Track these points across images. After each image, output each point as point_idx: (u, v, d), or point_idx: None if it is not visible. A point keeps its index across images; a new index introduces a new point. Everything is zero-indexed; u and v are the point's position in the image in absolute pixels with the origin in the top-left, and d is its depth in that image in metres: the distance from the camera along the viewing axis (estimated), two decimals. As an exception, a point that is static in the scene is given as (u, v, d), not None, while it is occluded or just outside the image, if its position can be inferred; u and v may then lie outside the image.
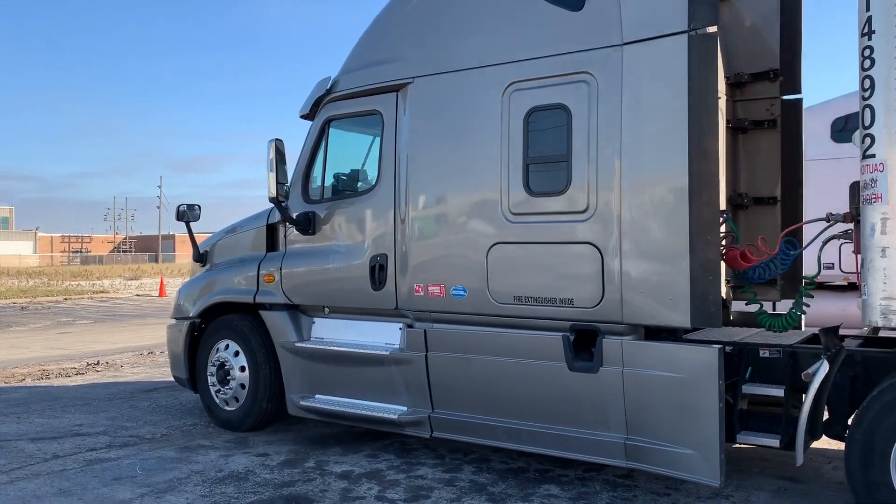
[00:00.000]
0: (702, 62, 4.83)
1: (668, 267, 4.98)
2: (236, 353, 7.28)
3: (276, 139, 6.52)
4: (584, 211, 5.29)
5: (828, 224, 4.90)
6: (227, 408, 7.37)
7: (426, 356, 6.08)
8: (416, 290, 6.10)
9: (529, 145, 5.54)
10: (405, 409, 6.26)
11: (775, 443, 5.09)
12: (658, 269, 5.02)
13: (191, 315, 7.64)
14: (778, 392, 5.15)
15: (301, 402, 6.75)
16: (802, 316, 5.36)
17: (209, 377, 7.47)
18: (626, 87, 5.12)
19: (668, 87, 4.96)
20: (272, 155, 6.47)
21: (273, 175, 6.47)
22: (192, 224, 7.88)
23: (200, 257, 7.94)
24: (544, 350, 5.52)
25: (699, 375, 4.90)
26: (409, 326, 6.26)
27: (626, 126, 5.11)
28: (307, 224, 6.76)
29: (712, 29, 4.83)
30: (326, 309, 6.89)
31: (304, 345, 6.80)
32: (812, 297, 5.11)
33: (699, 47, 4.84)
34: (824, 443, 5.60)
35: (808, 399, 4.68)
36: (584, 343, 5.42)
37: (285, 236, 7.06)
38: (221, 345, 7.42)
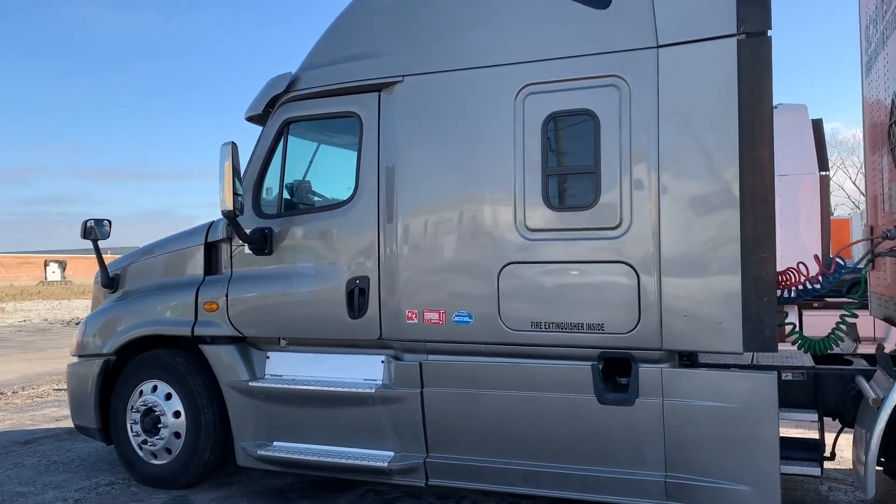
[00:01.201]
0: (754, 68, 4.51)
1: (716, 287, 4.59)
2: (168, 396, 6.13)
3: (232, 142, 5.52)
4: (616, 227, 4.80)
5: (879, 240, 4.72)
6: (154, 461, 6.18)
7: (421, 393, 5.33)
8: (409, 318, 5.34)
9: (549, 154, 4.99)
10: (391, 454, 5.45)
11: (816, 471, 4.83)
12: (704, 290, 4.62)
13: (104, 352, 6.36)
14: (812, 417, 4.92)
15: (258, 452, 5.72)
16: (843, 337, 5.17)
17: (130, 425, 6.25)
18: (664, 93, 4.70)
19: (714, 94, 4.59)
20: (228, 160, 5.46)
21: (229, 184, 5.45)
22: (98, 242, 6.62)
23: (110, 282, 6.67)
24: (569, 381, 4.96)
25: (754, 404, 4.53)
26: (396, 359, 5.48)
27: (664, 135, 4.69)
28: (263, 242, 5.79)
29: (765, 33, 4.52)
30: (284, 341, 5.94)
31: (259, 384, 5.80)
32: (857, 317, 4.92)
33: (751, 52, 4.51)
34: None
35: (878, 426, 4.43)
36: (613, 372, 4.93)
37: (231, 257, 6.03)
38: (147, 386, 6.22)
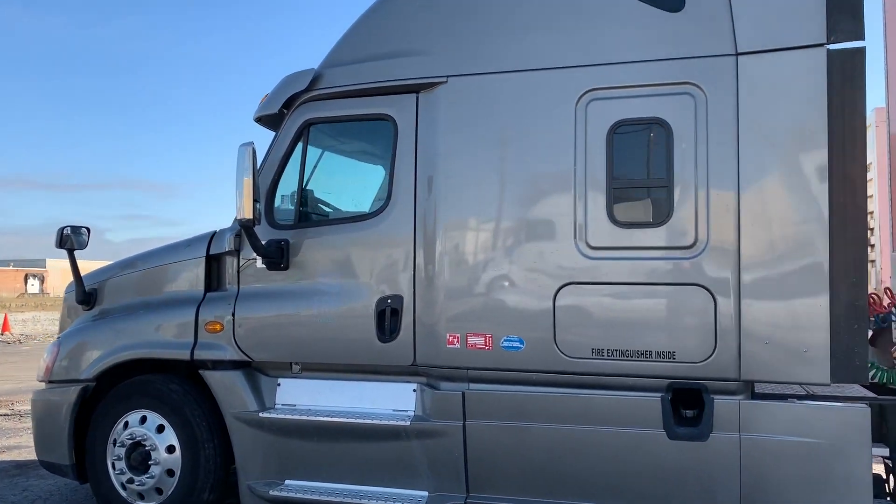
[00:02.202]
0: (845, 81, 4.23)
1: (802, 313, 4.26)
2: (160, 429, 5.39)
3: (251, 143, 4.92)
4: (691, 246, 4.43)
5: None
6: (141, 503, 5.42)
7: (464, 425, 4.81)
8: (450, 342, 4.82)
9: (615, 166, 4.59)
10: (425, 494, 4.91)
11: None
12: (789, 316, 4.28)
13: (82, 377, 5.58)
14: (882, 452, 4.64)
15: (270, 492, 5.07)
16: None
17: (112, 462, 5.48)
18: (744, 103, 4.37)
19: (801, 108, 4.29)
20: (247, 163, 4.85)
21: (249, 191, 4.83)
22: (74, 253, 5.85)
23: (86, 298, 5.89)
24: (635, 415, 4.54)
25: (845, 440, 4.21)
26: (430, 387, 4.95)
27: (745, 148, 4.36)
28: (279, 256, 5.18)
29: (858, 43, 4.25)
30: (297, 366, 5.32)
31: (271, 415, 5.15)
32: None
33: (842, 64, 4.23)
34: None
35: None
36: (680, 405, 4.54)
37: (238, 271, 5.38)
38: (133, 417, 5.47)
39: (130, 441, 5.41)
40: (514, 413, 4.74)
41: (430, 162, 4.93)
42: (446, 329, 4.83)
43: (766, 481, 4.33)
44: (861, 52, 4.25)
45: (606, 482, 4.59)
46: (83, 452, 5.62)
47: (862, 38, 4.26)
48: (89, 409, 5.64)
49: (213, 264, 5.48)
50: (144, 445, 5.37)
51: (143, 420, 5.43)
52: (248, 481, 5.21)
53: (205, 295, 5.43)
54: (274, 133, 5.75)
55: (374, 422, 4.93)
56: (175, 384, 5.45)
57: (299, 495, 5.02)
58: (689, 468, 4.45)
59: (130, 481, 5.39)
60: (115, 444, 5.49)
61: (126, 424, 5.48)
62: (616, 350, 4.55)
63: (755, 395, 4.48)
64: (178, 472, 5.32)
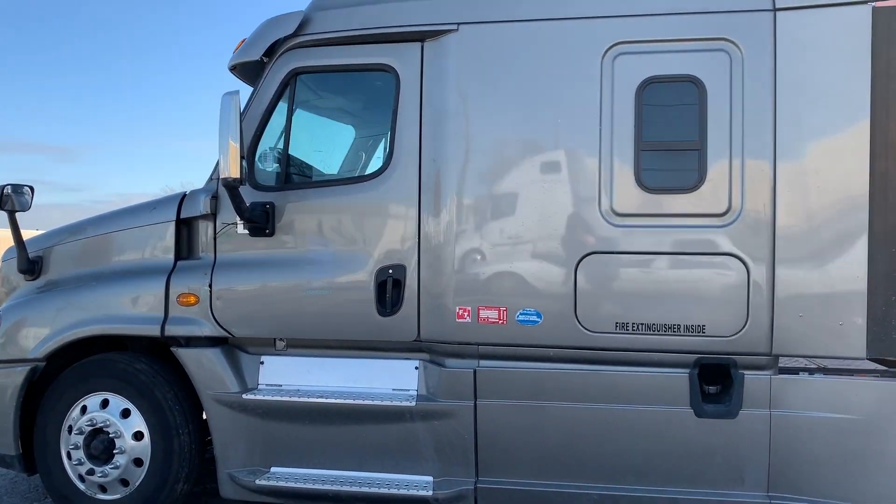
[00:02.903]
0: (891, 41, 4.03)
1: (839, 284, 4.08)
2: (125, 413, 4.80)
3: (236, 92, 4.35)
4: (724, 213, 4.17)
5: None
6: (103, 496, 4.83)
7: (475, 405, 4.45)
8: (459, 316, 4.43)
9: (644, 126, 4.26)
10: (430, 479, 4.54)
11: None
12: (825, 287, 4.10)
13: (30, 356, 4.90)
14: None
15: (256, 481, 4.58)
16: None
17: (67, 451, 4.86)
18: (782, 62, 4.12)
19: (842, 67, 4.07)
20: (233, 115, 4.27)
21: (235, 146, 4.27)
22: (17, 215, 5.12)
23: (30, 267, 5.19)
24: (661, 392, 4.28)
25: (882, 415, 4.07)
26: (436, 364, 4.57)
27: (782, 110, 4.11)
28: (264, 221, 4.64)
29: (905, 1, 4.05)
30: (281, 343, 4.82)
31: (256, 397, 4.65)
32: None
33: (888, 22, 4.02)
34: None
35: None
36: (706, 381, 4.31)
37: (215, 238, 4.81)
38: (93, 401, 4.85)
39: (90, 427, 4.81)
40: (529, 392, 4.41)
41: (438, 120, 4.48)
42: (455, 302, 4.44)
43: (795, 459, 4.16)
44: (907, 10, 4.05)
45: (628, 463, 4.34)
46: (31, 441, 4.98)
47: (908, -5, 4.07)
48: (37, 393, 4.98)
49: (183, 230, 4.88)
50: (107, 432, 4.78)
51: (105, 404, 4.83)
52: (228, 469, 4.71)
53: (175, 264, 4.84)
54: (249, 85, 5.22)
55: (376, 402, 4.51)
56: (142, 363, 4.86)
57: (290, 484, 4.57)
58: (717, 447, 4.24)
59: (90, 472, 4.79)
60: (70, 431, 4.87)
61: (84, 409, 4.86)
62: (641, 324, 4.27)
63: (781, 371, 4.30)
64: (147, 462, 4.76)
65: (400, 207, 4.55)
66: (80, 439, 4.82)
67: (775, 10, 4.15)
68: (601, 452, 4.36)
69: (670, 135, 4.30)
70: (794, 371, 4.31)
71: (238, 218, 4.60)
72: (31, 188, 5.21)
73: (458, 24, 4.47)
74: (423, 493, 4.43)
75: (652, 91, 4.27)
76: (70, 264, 5.14)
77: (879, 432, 4.06)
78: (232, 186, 4.37)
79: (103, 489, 4.82)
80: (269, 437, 4.69)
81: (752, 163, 4.14)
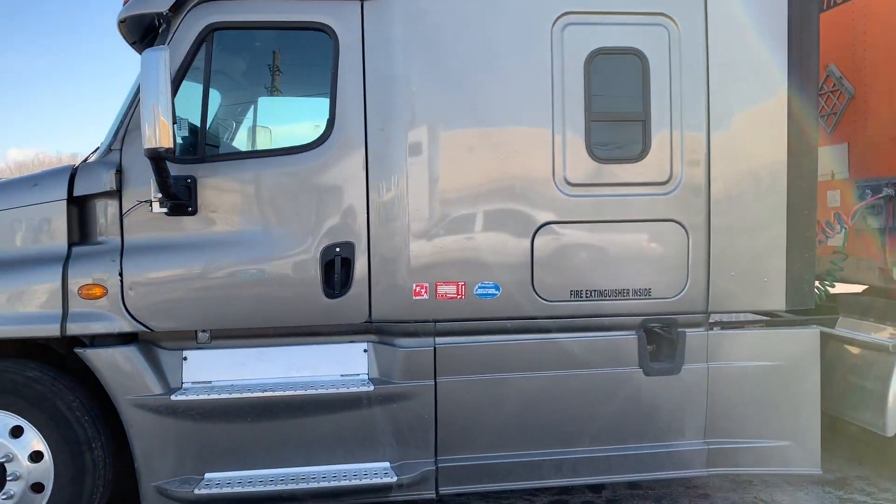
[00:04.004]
0: (804, 23, 4.44)
1: (763, 246, 4.49)
2: (15, 432, 4.01)
3: (166, 48, 3.73)
4: (666, 182, 4.39)
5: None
6: (-11, 533, 4.02)
7: (435, 384, 4.30)
8: (416, 293, 4.25)
9: (593, 98, 4.33)
10: (387, 464, 4.33)
11: None
12: (752, 249, 4.48)
13: None
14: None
15: (194, 491, 4.05)
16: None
17: (-64, 484, 3.97)
18: (713, 39, 4.40)
19: (763, 46, 4.43)
20: (161, 75, 3.65)
21: (167, 109, 3.66)
22: None
23: None
24: (613, 354, 4.45)
25: (800, 360, 4.56)
26: (387, 345, 4.34)
27: (713, 83, 4.40)
28: (186, 197, 4.07)
29: (812, -14, 4.49)
30: (204, 335, 4.29)
31: (188, 397, 4.09)
32: (842, 269, 5.20)
33: (801, 7, 4.43)
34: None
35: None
36: (650, 341, 4.54)
37: (122, 218, 4.13)
38: (-32, 421, 3.99)
39: (-32, 454, 3.96)
40: (489, 365, 4.36)
41: (384, 86, 4.20)
42: (412, 279, 4.24)
43: (727, 406, 4.55)
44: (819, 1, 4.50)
45: (583, 426, 4.46)
46: None
47: (814, -19, 4.52)
48: None
49: (73, 210, 4.14)
50: (-6, 458, 3.97)
51: (-12, 424, 4.00)
52: (154, 482, 4.12)
53: (69, 250, 4.10)
54: (130, 44, 4.56)
55: (330, 391, 4.19)
56: (34, 370, 4.08)
57: (237, 489, 4.10)
58: (663, 402, 4.50)
59: (-27, 507, 3.96)
60: (-60, 460, 3.98)
61: (-44, 432, 3.99)
62: (594, 290, 4.39)
63: (711, 326, 4.65)
64: (49, 486, 4.03)
65: (345, 180, 4.22)
66: (-44, 469, 3.96)
67: (706, -10, 4.41)
68: (558, 419, 4.44)
69: (617, 106, 4.43)
70: (722, 326, 4.68)
71: (157, 194, 3.98)
72: None
73: None
74: (386, 479, 4.21)
75: (599, 62, 4.35)
76: None
77: (795, 374, 4.56)
78: (162, 157, 3.76)
79: (-9, 524, 4.01)
80: (203, 441, 4.17)
81: (689, 134, 4.39)
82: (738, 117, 4.44)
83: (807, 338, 4.60)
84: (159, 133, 3.65)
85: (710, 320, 4.59)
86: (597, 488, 5.01)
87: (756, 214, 4.47)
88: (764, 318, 4.90)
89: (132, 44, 4.85)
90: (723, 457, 4.56)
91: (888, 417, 4.64)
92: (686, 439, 4.56)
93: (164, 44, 4.14)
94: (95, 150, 4.56)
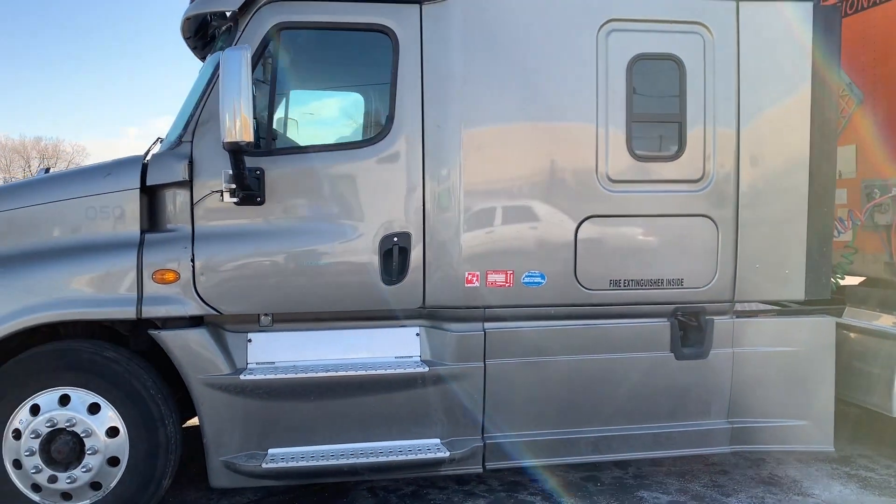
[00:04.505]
0: (827, 31, 4.79)
1: (785, 239, 4.84)
2: (93, 408, 4.23)
3: (245, 47, 3.95)
4: (699, 180, 4.72)
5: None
6: (65, 505, 4.24)
7: (484, 365, 4.59)
8: (469, 281, 4.53)
9: (634, 100, 4.64)
10: (437, 441, 4.61)
11: None
12: (776, 243, 4.84)
13: (-44, 351, 4.09)
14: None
15: (262, 465, 4.30)
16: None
17: (15, 459, 4.17)
18: (744, 46, 4.73)
19: (790, 53, 4.78)
20: (243, 72, 3.88)
21: (248, 104, 3.89)
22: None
23: (-72, 243, 4.27)
24: (648, 340, 4.78)
25: (818, 346, 4.93)
26: (439, 329, 4.62)
27: (744, 89, 4.73)
28: (256, 188, 4.30)
29: (837, 2, 4.83)
30: (266, 318, 4.54)
31: (256, 377, 4.34)
32: (852, 262, 5.59)
33: (825, 17, 4.78)
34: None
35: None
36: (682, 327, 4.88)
37: (192, 207, 4.35)
38: (46, 398, 4.19)
39: (50, 429, 4.16)
40: (534, 348, 4.66)
41: (442, 84, 4.47)
42: (465, 267, 4.52)
43: (750, 388, 4.90)
44: (838, 8, 4.85)
45: (619, 406, 4.79)
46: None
47: (837, -4, 4.87)
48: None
49: (157, 198, 4.36)
50: (73, 432, 4.18)
51: (65, 400, 4.20)
52: (222, 457, 4.36)
53: (142, 236, 4.31)
54: (188, 42, 4.80)
55: (388, 371, 4.46)
56: (110, 351, 4.29)
57: (301, 463, 4.36)
58: (692, 384, 4.85)
59: (53, 479, 4.17)
60: (18, 436, 4.17)
61: (35, 409, 4.19)
62: (632, 280, 4.71)
63: (737, 314, 5.00)
64: (124, 460, 4.25)
65: (403, 173, 4.48)
66: (35, 444, 4.16)
67: (738, 0, 4.73)
68: (595, 399, 4.76)
69: (656, 108, 4.74)
70: (746, 314, 5.03)
71: (229, 185, 4.21)
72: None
73: None
74: (439, 454, 4.50)
75: (640, 67, 4.65)
76: None
77: (813, 359, 4.93)
78: (243, 150, 4.01)
79: (67, 496, 4.22)
80: (267, 417, 4.42)
81: (721, 135, 4.72)
82: (765, 120, 4.78)
83: (824, 326, 4.97)
84: (240, 127, 3.89)
85: (735, 308, 4.96)
86: (623, 465, 5.36)
87: (780, 211, 4.83)
88: (773, 307, 5.28)
89: (187, 39, 5.07)
90: (744, 435, 4.93)
91: (895, 400, 5.05)
92: (711, 419, 4.91)
93: (232, 42, 4.37)
94: (157, 142, 4.79)
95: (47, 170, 5.99)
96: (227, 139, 3.92)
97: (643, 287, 4.73)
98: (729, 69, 4.72)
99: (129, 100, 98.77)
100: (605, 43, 4.59)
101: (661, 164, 4.71)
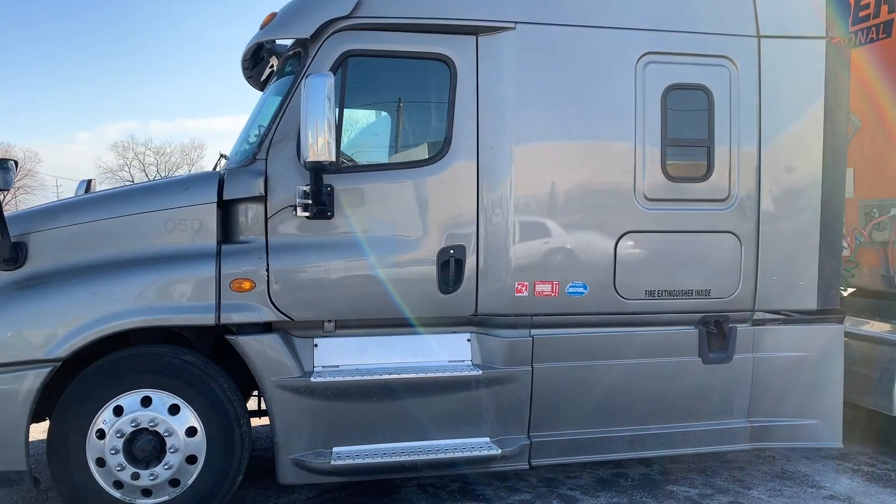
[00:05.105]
0: (838, 66, 5.29)
1: (801, 254, 5.31)
2: (174, 410, 4.48)
3: (328, 74, 4.28)
4: (725, 199, 5.17)
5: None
6: (145, 501, 4.47)
7: (532, 369, 4.96)
8: (518, 290, 4.90)
9: (668, 125, 5.07)
10: (487, 439, 4.96)
11: None
12: (792, 257, 5.30)
13: (46, 356, 4.29)
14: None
15: (331, 462, 4.59)
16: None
17: (98, 457, 4.40)
18: (765, 78, 5.20)
19: (805, 85, 5.26)
20: (326, 96, 4.21)
21: (331, 126, 4.22)
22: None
23: (13, 254, 4.49)
24: (678, 346, 5.20)
25: (828, 351, 5.41)
26: (488, 335, 4.97)
27: (765, 116, 5.20)
28: (327, 203, 4.62)
29: (846, 40, 5.35)
30: (329, 324, 4.84)
31: (325, 379, 4.64)
32: (854, 275, 6.10)
33: (836, 53, 5.28)
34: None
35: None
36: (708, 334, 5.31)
37: (266, 220, 4.64)
38: (129, 400, 4.44)
39: (134, 428, 4.41)
40: (577, 353, 5.04)
41: (493, 109, 4.84)
42: (514, 278, 4.89)
43: (768, 389, 5.36)
44: (847, 45, 5.36)
45: (652, 407, 5.20)
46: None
47: (846, 35, 5.38)
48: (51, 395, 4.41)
49: (233, 212, 4.65)
50: (155, 431, 4.43)
51: (147, 402, 4.45)
52: (292, 455, 4.65)
53: (219, 248, 4.59)
54: (246, 65, 5.14)
55: (446, 374, 4.80)
56: (188, 356, 4.56)
57: (366, 460, 4.67)
58: (716, 386, 5.28)
59: (135, 476, 4.41)
60: (100, 436, 4.40)
61: (118, 410, 4.43)
62: (665, 290, 5.13)
63: (755, 322, 5.45)
64: (202, 458, 4.51)
65: (459, 190, 4.84)
66: (119, 443, 4.40)
67: (759, 36, 5.20)
68: (631, 400, 5.16)
69: (688, 133, 5.17)
70: (762, 322, 5.49)
71: (304, 200, 4.52)
72: (15, 162, 4.53)
73: (516, 22, 4.85)
74: (492, 452, 4.84)
75: (674, 96, 5.09)
76: (73, 251, 4.55)
77: (824, 363, 5.41)
78: (324, 169, 4.34)
79: (147, 493, 4.47)
80: (333, 417, 4.72)
81: (744, 158, 5.18)
82: (783, 144, 5.25)
83: (834, 333, 5.45)
84: (323, 147, 4.22)
85: (755, 317, 5.41)
86: (648, 462, 5.77)
87: (796, 227, 5.30)
88: (779, 316, 5.75)
89: (245, 62, 5.39)
90: (763, 433, 5.38)
91: (895, 401, 5.57)
92: (733, 418, 5.34)
93: (301, 67, 4.70)
94: (221, 158, 5.08)
95: (89, 182, 6.24)
96: (311, 158, 4.24)
97: (675, 297, 5.15)
98: (751, 98, 5.18)
99: (80, 105, 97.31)
100: (642, 73, 5.02)
101: (691, 185, 5.15)
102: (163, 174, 66.31)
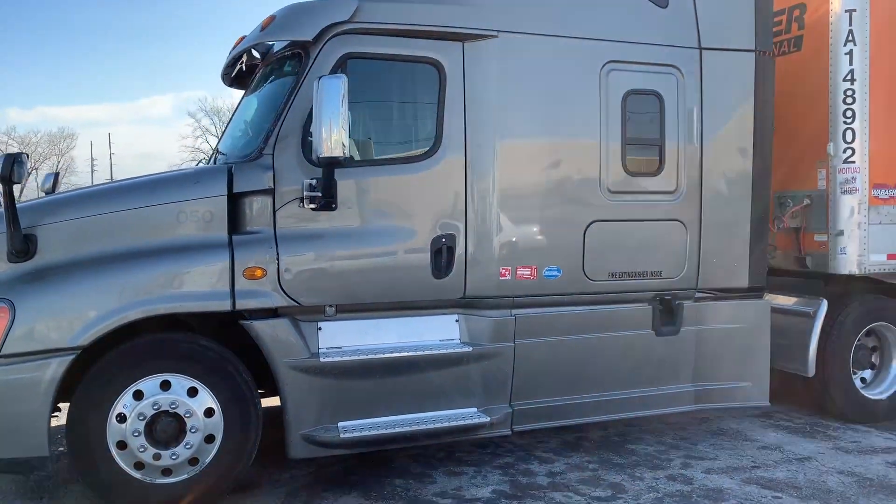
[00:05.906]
0: (764, 76, 6.10)
1: (735, 239, 6.11)
2: (192, 392, 4.71)
3: (342, 76, 4.62)
4: (674, 191, 5.88)
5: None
6: (164, 480, 4.69)
7: (514, 345, 5.49)
8: (502, 275, 5.42)
9: (627, 126, 5.72)
10: (475, 409, 5.46)
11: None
12: (728, 241, 6.09)
13: (68, 345, 4.43)
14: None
15: (340, 436, 4.96)
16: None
17: (119, 440, 4.58)
18: (706, 85, 5.95)
19: (738, 91, 6.05)
20: (340, 95, 4.56)
21: (342, 124, 4.58)
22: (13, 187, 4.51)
23: (24, 245, 4.58)
24: (636, 321, 5.88)
25: (757, 323, 6.24)
26: (475, 316, 5.46)
27: (706, 118, 5.95)
28: (331, 196, 4.96)
29: (771, 52, 6.17)
30: (331, 309, 5.19)
31: (333, 359, 4.99)
32: (773, 258, 6.95)
33: (763, 64, 6.09)
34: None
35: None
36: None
37: (274, 212, 4.93)
38: (149, 384, 4.63)
39: (156, 411, 4.61)
40: (553, 330, 5.62)
41: (478, 110, 5.32)
42: (499, 263, 5.41)
43: (709, 357, 6.13)
44: (773, 57, 6.19)
45: (613, 375, 5.86)
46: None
47: (771, 48, 6.21)
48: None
49: (242, 204, 4.92)
50: (175, 413, 4.65)
51: (166, 385, 4.66)
52: (301, 431, 4.98)
53: (230, 237, 4.85)
54: (231, 66, 5.42)
55: (441, 351, 5.27)
56: (204, 341, 4.79)
57: (372, 433, 5.06)
58: (667, 355, 6.00)
59: (157, 457, 4.62)
60: (121, 419, 4.59)
61: (138, 394, 4.62)
62: (624, 272, 5.80)
63: (696, 299, 6.21)
64: (219, 437, 4.77)
65: (449, 183, 5.30)
66: (141, 425, 4.60)
67: (701, 48, 5.94)
68: (597, 369, 5.80)
69: (643, 132, 5.84)
70: (703, 299, 6.25)
71: (311, 193, 4.84)
72: (27, 155, 4.62)
73: (499, 31, 5.35)
74: (481, 420, 5.35)
75: (632, 100, 5.75)
76: (86, 242, 4.69)
77: (755, 333, 6.24)
78: (335, 164, 4.68)
79: (167, 472, 4.68)
80: (340, 395, 5.08)
81: (689, 156, 5.91)
82: (720, 143, 6.02)
83: (762, 307, 6.30)
84: (336, 144, 4.58)
85: (696, 295, 6.17)
86: (605, 426, 6.44)
87: (731, 216, 6.09)
88: (708, 293, 6.56)
89: (234, 62, 5.65)
90: (705, 395, 6.15)
91: (809, 363, 6.50)
92: (681, 383, 6.09)
93: (302, 68, 5.02)
94: (216, 153, 5.32)
95: (55, 175, 6.27)
96: (324, 154, 4.59)
97: (633, 278, 5.83)
98: (694, 102, 5.91)
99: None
100: (606, 79, 5.65)
101: (646, 179, 5.83)
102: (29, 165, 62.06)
